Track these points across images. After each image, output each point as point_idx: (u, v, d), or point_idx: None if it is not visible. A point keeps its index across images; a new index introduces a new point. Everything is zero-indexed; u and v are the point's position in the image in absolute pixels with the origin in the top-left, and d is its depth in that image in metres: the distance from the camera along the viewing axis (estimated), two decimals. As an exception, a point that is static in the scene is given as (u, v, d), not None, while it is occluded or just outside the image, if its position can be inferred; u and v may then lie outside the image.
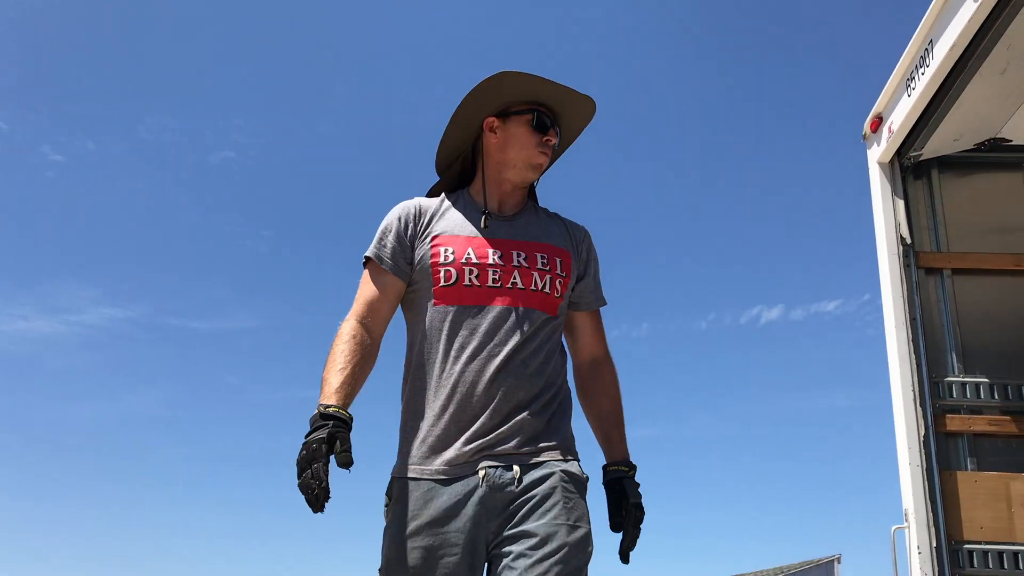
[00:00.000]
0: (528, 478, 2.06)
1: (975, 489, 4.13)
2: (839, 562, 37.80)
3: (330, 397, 2.02)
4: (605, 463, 2.31)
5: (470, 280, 2.17)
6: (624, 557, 2.22)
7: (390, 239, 2.26)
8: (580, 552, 2.00)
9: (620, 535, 2.24)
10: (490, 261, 2.20)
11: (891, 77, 4.38)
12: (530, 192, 2.46)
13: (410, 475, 2.10)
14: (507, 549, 1.99)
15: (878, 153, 4.61)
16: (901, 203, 4.50)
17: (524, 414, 2.12)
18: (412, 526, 2.04)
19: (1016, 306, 4.50)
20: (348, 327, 2.16)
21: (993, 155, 4.67)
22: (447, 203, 2.33)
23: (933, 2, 3.88)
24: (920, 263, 4.45)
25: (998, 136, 4.57)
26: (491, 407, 2.10)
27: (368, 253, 2.26)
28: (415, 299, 2.25)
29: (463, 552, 2.01)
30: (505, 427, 2.10)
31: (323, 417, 1.97)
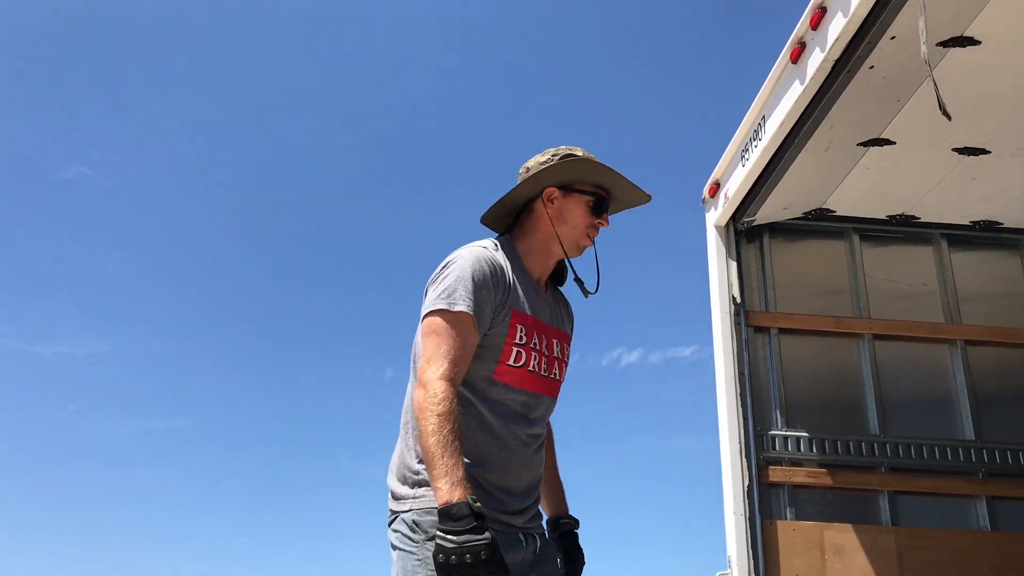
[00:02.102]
0: (541, 549, 2.21)
1: (793, 537, 4.38)
2: (681, 602, 38.66)
3: (463, 486, 1.88)
4: (553, 516, 2.42)
5: (533, 367, 2.20)
6: None
7: (481, 296, 2.11)
8: None
9: None
10: (545, 351, 2.24)
11: (728, 147, 4.66)
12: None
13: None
14: None
15: (715, 217, 4.89)
16: (734, 265, 4.78)
17: (537, 491, 2.27)
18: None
19: (835, 365, 4.83)
20: (446, 390, 1.99)
21: (819, 224, 5.03)
22: (507, 263, 2.23)
23: (767, 80, 4.17)
24: (750, 322, 4.73)
25: (823, 206, 4.93)
26: (528, 487, 2.20)
27: (462, 307, 2.07)
28: (476, 354, 2.16)
29: None
30: (531, 503, 2.22)
31: (476, 516, 1.85)
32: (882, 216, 5.04)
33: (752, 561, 4.30)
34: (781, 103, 4.05)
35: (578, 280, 2.38)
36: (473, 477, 2.03)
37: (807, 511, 4.49)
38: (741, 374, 4.62)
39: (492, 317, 2.13)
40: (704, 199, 5.02)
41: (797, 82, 3.87)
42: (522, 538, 2.13)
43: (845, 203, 4.91)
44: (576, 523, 2.41)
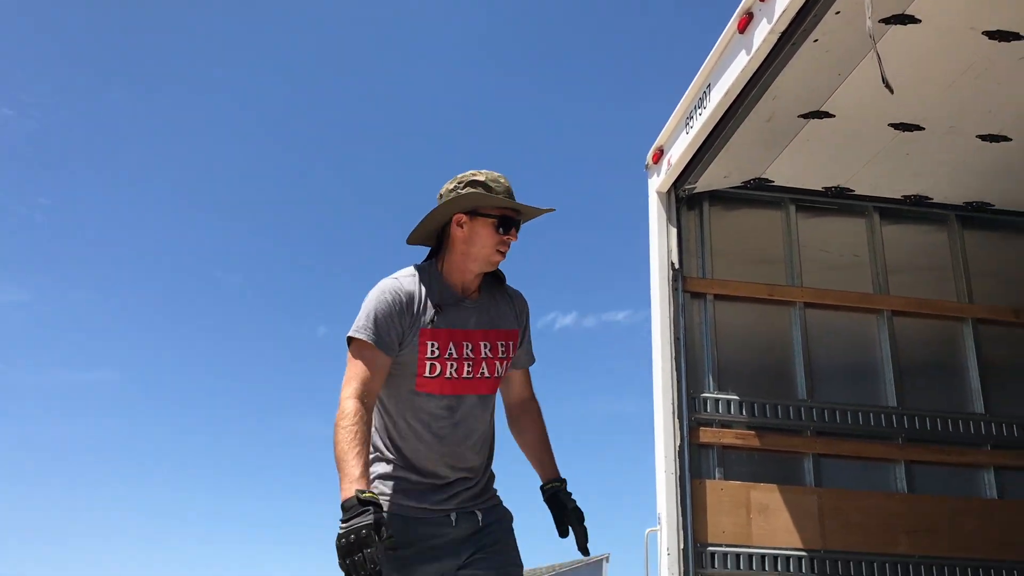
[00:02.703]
0: (486, 519, 2.55)
1: (720, 496, 4.53)
2: (607, 561, 39.53)
3: (358, 482, 2.20)
4: (541, 483, 2.72)
5: (450, 373, 2.51)
6: (585, 551, 2.65)
7: (384, 324, 2.45)
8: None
9: (570, 538, 2.66)
10: (466, 355, 2.54)
11: (673, 113, 4.72)
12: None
13: (398, 512, 2.46)
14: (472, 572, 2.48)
15: (657, 183, 4.96)
16: (674, 231, 4.86)
17: (479, 475, 2.59)
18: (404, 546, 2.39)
19: (767, 331, 4.97)
20: (352, 407, 2.34)
21: (757, 193, 5.13)
22: (423, 288, 2.54)
23: (713, 49, 4.23)
24: (687, 287, 4.83)
25: (762, 176, 5.03)
26: (459, 475, 2.54)
27: (363, 336, 2.43)
28: (396, 372, 2.51)
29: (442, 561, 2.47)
30: (469, 487, 2.56)
31: (362, 503, 2.15)
32: (818, 188, 5.16)
33: (681, 519, 4.44)
34: (727, 72, 4.11)
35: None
36: (401, 476, 2.48)
37: (735, 471, 4.63)
38: (676, 339, 4.72)
39: (400, 340, 2.46)
40: (647, 165, 5.08)
41: (743, 52, 3.94)
42: (453, 518, 2.48)
43: (783, 174, 5.02)
44: (560, 484, 2.70)
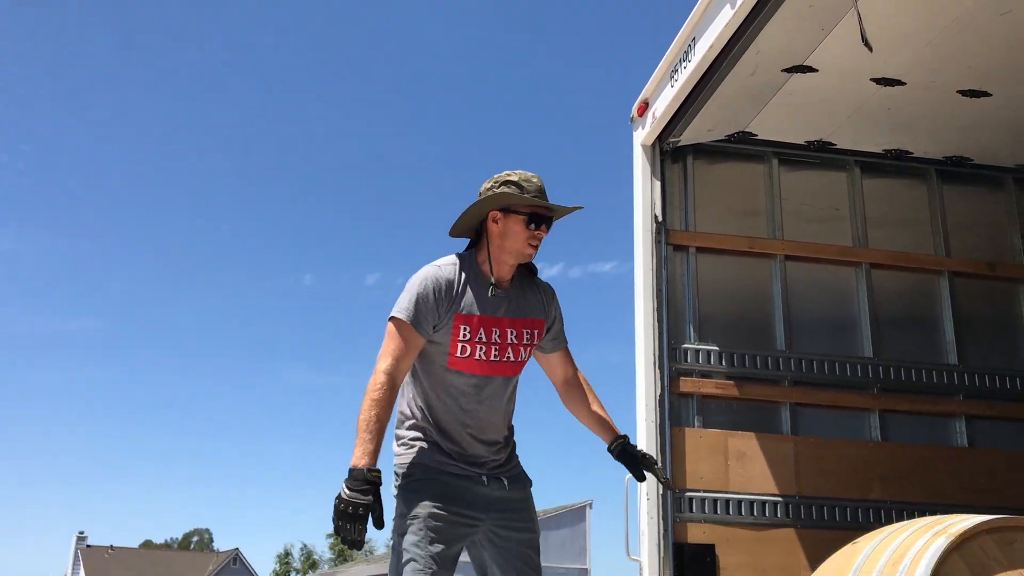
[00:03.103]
0: (511, 484, 2.84)
1: (699, 443, 4.65)
2: (591, 507, 40.21)
3: (370, 456, 2.50)
4: (607, 446, 3.03)
5: (479, 356, 2.78)
6: (667, 484, 3.05)
7: (423, 307, 2.72)
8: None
9: (649, 479, 3.14)
10: (494, 340, 2.80)
11: (659, 66, 4.75)
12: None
13: (433, 464, 2.75)
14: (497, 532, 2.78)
15: (642, 136, 4.99)
16: (658, 184, 4.92)
17: (503, 446, 2.89)
18: (436, 497, 2.68)
19: (746, 284, 5.05)
20: (382, 380, 2.63)
21: (740, 147, 5.18)
22: (462, 276, 2.81)
23: (698, 2, 4.25)
24: (670, 240, 4.90)
25: (746, 130, 5.08)
26: (486, 446, 2.83)
27: (402, 316, 2.71)
28: (432, 350, 2.79)
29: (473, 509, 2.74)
30: (495, 456, 2.85)
31: (367, 482, 2.44)
32: (800, 142, 5.21)
33: (661, 465, 4.55)
34: (712, 25, 4.14)
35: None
36: (434, 441, 2.77)
37: (714, 420, 4.75)
38: (659, 290, 4.79)
39: (436, 323, 2.73)
40: (632, 118, 5.11)
41: (728, 6, 3.96)
42: (485, 479, 2.76)
43: (766, 127, 5.07)
44: (623, 439, 3.02)
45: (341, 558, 52.42)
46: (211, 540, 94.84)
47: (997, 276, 5.30)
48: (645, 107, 4.98)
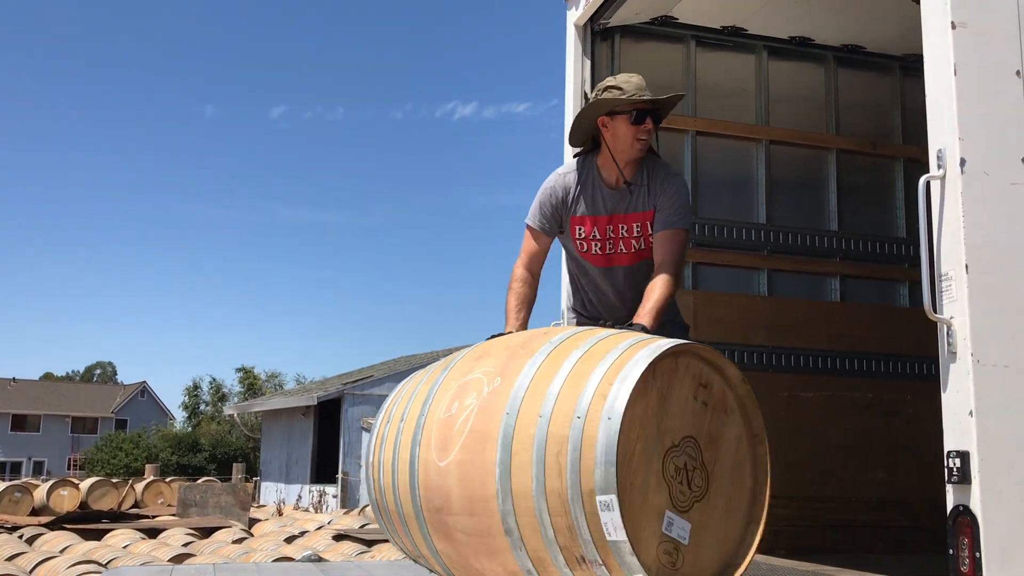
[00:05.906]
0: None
1: None
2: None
3: (512, 324, 3.22)
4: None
5: (595, 251, 3.33)
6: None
7: (545, 213, 3.33)
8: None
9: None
10: (608, 236, 3.29)
11: (594, -47, 5.14)
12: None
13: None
14: None
15: (575, 16, 5.42)
16: (588, 63, 5.39)
17: (620, 311, 3.37)
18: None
19: (663, 156, 5.61)
20: (519, 273, 3.33)
21: (663, 29, 5.67)
22: (579, 180, 3.30)
23: None
24: (597, 115, 5.41)
25: (669, 14, 5.56)
26: (608, 309, 3.41)
27: (528, 222, 3.36)
28: (567, 244, 3.40)
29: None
30: (615, 317, 3.32)
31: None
32: (717, 26, 5.73)
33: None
34: (644, -78, 4.55)
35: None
36: (578, 310, 3.51)
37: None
38: (585, 159, 5.34)
39: (560, 224, 3.34)
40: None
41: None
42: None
43: (687, 12, 5.54)
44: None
45: (251, 392, 53.49)
46: (115, 374, 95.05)
47: (878, 153, 6.03)
48: (580, -11, 5.38)
